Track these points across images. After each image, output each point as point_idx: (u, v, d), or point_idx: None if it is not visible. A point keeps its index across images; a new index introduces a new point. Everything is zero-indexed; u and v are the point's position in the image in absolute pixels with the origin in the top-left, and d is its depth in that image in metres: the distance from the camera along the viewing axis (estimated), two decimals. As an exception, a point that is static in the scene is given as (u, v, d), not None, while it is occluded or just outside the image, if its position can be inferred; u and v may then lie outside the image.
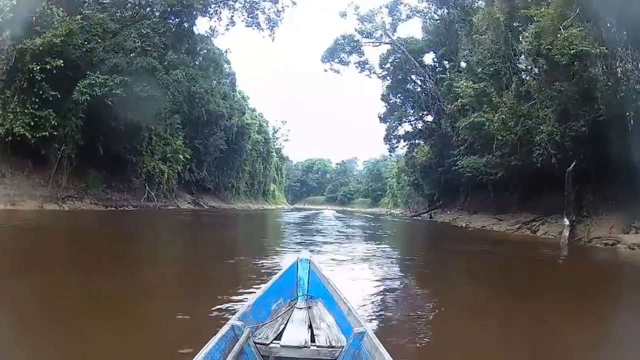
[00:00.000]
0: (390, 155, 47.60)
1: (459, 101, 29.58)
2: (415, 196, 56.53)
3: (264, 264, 6.91)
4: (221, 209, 37.66)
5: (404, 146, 44.40)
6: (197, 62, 25.44)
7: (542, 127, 18.00)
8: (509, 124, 19.21)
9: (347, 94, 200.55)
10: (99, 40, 18.29)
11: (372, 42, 34.67)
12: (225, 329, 2.16)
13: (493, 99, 20.51)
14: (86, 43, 18.16)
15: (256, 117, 53.35)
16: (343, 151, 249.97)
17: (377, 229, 21.70)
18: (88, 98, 17.37)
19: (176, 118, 25.62)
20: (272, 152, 63.50)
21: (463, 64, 27.79)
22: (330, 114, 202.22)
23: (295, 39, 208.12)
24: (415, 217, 40.69)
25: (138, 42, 17.96)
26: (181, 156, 32.61)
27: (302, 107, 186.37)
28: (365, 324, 2.42)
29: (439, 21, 34.36)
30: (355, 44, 33.81)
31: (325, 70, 35.66)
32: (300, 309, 2.90)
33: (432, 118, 37.36)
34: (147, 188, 27.92)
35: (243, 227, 19.21)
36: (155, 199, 28.53)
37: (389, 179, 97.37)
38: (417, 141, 42.81)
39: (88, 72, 17.89)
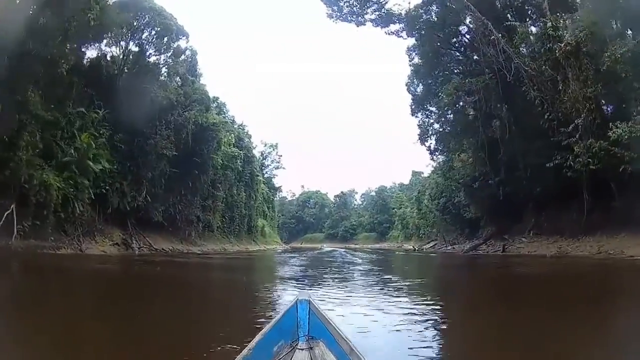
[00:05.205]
0: (431, 162, 34.91)
1: (571, 37, 16.90)
2: (442, 223, 43.47)
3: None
4: (171, 253, 23.54)
5: (442, 152, 31.70)
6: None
7: None
8: None
9: (338, 119, 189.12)
10: None
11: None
12: None
13: None
14: None
15: (233, 128, 40.27)
16: (339, 184, 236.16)
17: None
18: None
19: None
20: (257, 176, 49.50)
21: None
22: (322, 145, 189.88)
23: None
24: (471, 253, 26.88)
25: None
26: (92, 164, 19.07)
27: (290, 135, 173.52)
28: None
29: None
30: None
31: (331, 17, 23.26)
32: (302, 349, 2.72)
33: (495, 98, 24.67)
34: (14, 216, 14.58)
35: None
36: (29, 236, 14.96)
37: (396, 210, 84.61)
38: (461, 143, 30.16)
39: None
